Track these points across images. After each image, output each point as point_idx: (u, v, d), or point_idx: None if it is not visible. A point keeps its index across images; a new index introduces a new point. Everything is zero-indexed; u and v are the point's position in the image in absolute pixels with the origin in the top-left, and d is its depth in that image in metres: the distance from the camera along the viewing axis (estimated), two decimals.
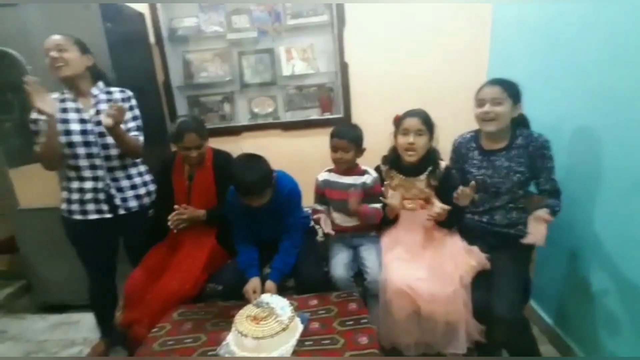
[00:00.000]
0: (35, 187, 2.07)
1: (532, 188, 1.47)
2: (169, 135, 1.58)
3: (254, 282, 1.42)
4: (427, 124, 1.48)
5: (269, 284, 1.45)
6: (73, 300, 2.12)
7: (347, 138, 1.53)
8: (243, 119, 2.34)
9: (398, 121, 1.53)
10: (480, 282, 1.33)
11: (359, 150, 1.58)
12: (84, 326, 2.01)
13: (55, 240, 2.00)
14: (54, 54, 1.45)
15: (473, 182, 1.35)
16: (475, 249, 1.39)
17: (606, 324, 1.31)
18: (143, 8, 2.11)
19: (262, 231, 1.58)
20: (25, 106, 2.04)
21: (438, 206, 1.40)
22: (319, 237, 1.79)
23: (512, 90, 1.37)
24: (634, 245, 1.17)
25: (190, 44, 2.26)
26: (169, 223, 1.50)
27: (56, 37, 1.46)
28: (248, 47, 2.25)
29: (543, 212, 1.30)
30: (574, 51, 1.41)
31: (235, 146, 2.23)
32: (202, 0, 2.15)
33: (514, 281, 1.30)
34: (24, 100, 2.00)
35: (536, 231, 1.27)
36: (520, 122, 1.44)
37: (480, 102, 1.41)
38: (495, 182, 1.43)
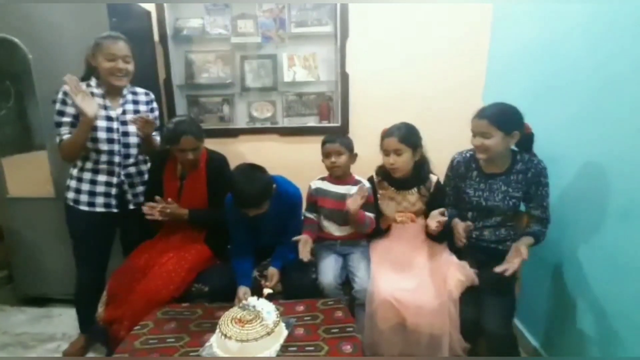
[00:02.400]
0: (26, 177, 2.05)
1: (522, 207, 1.48)
2: (163, 136, 1.56)
3: (245, 289, 1.41)
4: (406, 141, 1.47)
5: (272, 270, 1.48)
6: (55, 294, 2.08)
7: (338, 142, 1.55)
8: (241, 122, 2.35)
9: (382, 137, 1.55)
10: (469, 298, 1.34)
11: (352, 155, 1.60)
12: (64, 321, 1.97)
13: (42, 232, 1.98)
14: (121, 64, 1.47)
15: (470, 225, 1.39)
16: (464, 264, 1.40)
17: (591, 346, 1.32)
18: (150, 6, 2.13)
19: (261, 238, 1.57)
20: (22, 95, 2.05)
21: (434, 217, 1.40)
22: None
23: (502, 122, 1.32)
24: (619, 270, 1.19)
25: (193, 44, 2.27)
26: (145, 209, 1.46)
27: (124, 46, 1.48)
28: (251, 51, 2.27)
29: (524, 246, 1.30)
30: (569, 73, 1.43)
31: (232, 148, 2.26)
32: (209, 1, 2.18)
33: (503, 297, 1.32)
34: (21, 89, 2.02)
35: (510, 264, 1.27)
36: (524, 144, 1.41)
37: (472, 133, 1.40)
38: (490, 205, 1.44)
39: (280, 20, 2.19)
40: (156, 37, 2.17)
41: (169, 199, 1.51)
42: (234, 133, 2.31)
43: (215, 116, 2.35)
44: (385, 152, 1.51)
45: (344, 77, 2.18)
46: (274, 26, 2.20)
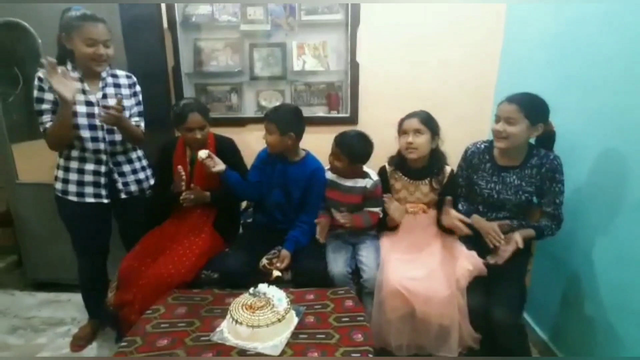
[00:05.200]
0: (35, 163, 2.05)
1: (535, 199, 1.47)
2: (171, 117, 1.54)
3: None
4: (427, 124, 1.48)
5: (284, 252, 1.50)
6: (64, 278, 2.09)
7: (344, 152, 1.53)
8: (249, 111, 2.34)
9: (400, 124, 1.54)
10: (478, 287, 1.33)
11: (353, 162, 1.57)
12: (73, 305, 1.99)
13: (51, 217, 1.96)
14: (102, 50, 1.40)
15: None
16: (473, 253, 1.39)
17: (599, 342, 1.32)
18: None
19: (271, 196, 1.63)
20: (30, 81, 2.03)
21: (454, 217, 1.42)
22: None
23: (530, 111, 1.29)
24: (633, 266, 1.18)
25: (202, 31, 2.25)
26: (181, 199, 1.52)
27: (105, 31, 1.40)
28: (260, 39, 2.24)
29: (520, 236, 1.33)
30: (584, 66, 1.41)
31: (240, 137, 2.24)
32: (218, 1, 2.15)
33: (512, 286, 1.31)
34: (29, 75, 2.00)
35: (502, 252, 1.34)
36: (546, 142, 1.39)
37: (496, 118, 1.37)
38: (502, 198, 1.42)
39: (290, 7, 2.16)
40: (165, 24, 2.15)
41: (192, 184, 1.54)
42: (242, 122, 2.29)
43: (223, 105, 2.34)
44: (405, 132, 1.50)
45: (354, 67, 2.15)
46: (283, 13, 2.17)
